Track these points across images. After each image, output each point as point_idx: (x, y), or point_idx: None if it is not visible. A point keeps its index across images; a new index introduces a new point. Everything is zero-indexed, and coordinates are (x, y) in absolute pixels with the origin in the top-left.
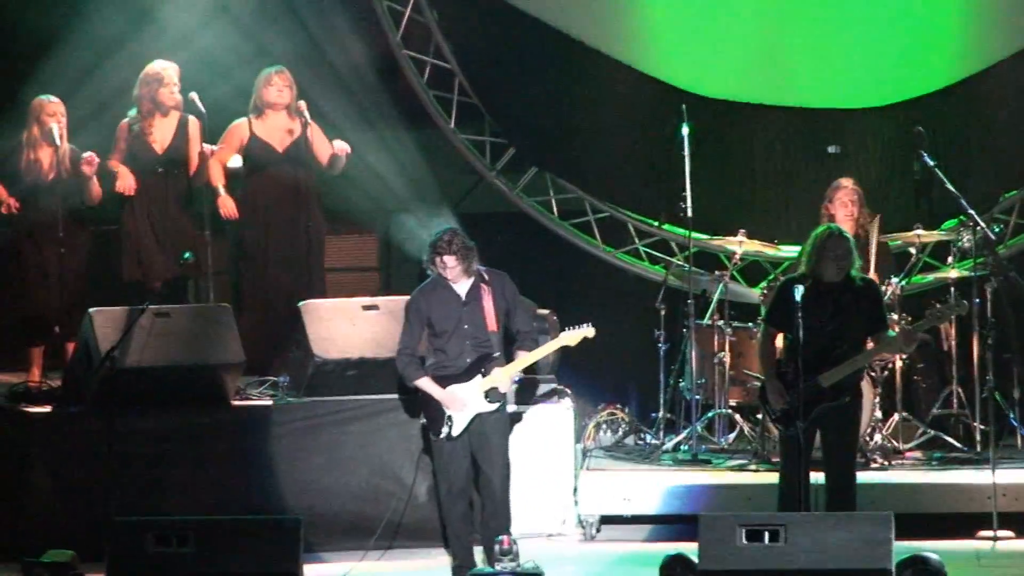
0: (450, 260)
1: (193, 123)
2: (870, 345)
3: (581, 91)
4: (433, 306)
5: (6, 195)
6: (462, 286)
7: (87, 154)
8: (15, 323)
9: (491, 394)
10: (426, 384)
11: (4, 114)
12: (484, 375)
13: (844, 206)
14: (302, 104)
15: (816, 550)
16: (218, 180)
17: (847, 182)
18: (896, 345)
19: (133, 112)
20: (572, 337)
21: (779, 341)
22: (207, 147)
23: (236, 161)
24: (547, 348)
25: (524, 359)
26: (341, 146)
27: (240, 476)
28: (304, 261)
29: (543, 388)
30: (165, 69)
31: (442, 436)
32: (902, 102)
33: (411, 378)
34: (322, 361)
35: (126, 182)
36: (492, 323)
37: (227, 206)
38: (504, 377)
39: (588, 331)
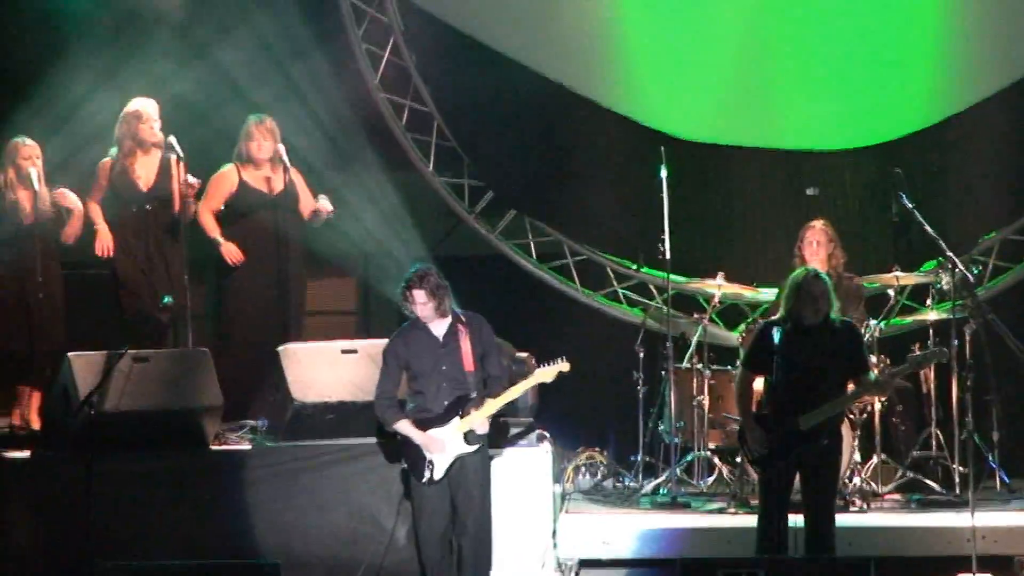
0: (419, 295)
1: (175, 163)
2: (850, 388)
3: (560, 134)
4: (411, 349)
5: None
6: (439, 327)
7: (59, 189)
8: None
9: (470, 436)
10: (405, 428)
11: None
12: (462, 417)
13: (810, 246)
14: (281, 148)
15: None
16: (213, 230)
17: (817, 223)
18: (875, 388)
19: (114, 151)
20: (547, 373)
21: (759, 383)
22: (192, 179)
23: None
24: (523, 385)
25: (501, 398)
26: (324, 204)
27: (219, 520)
28: (285, 305)
29: (522, 431)
30: (144, 106)
31: (424, 480)
32: (880, 144)
33: (390, 422)
34: (301, 405)
35: (104, 243)
36: (470, 364)
37: (231, 252)
38: (481, 418)
39: (563, 366)
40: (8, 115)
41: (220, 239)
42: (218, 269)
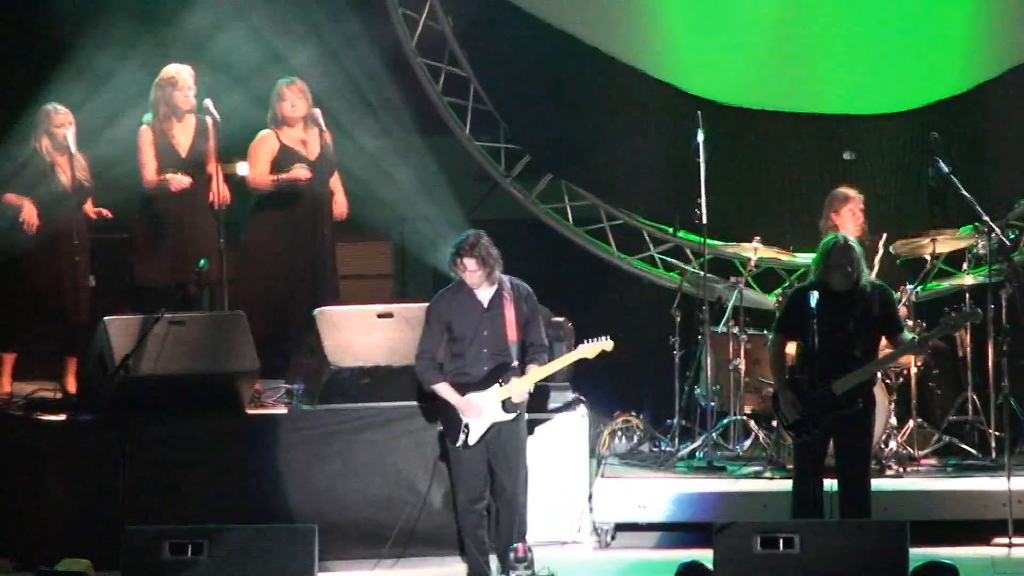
0: (470, 263)
1: (210, 126)
2: (883, 353)
3: (596, 98)
4: (454, 311)
5: (30, 214)
6: (484, 293)
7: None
8: (38, 333)
9: (507, 404)
10: (444, 390)
11: (20, 121)
12: (502, 385)
13: (854, 216)
14: (316, 111)
15: (831, 557)
16: (272, 179)
17: (852, 192)
18: (911, 349)
19: (149, 116)
20: (590, 350)
21: (792, 349)
22: (241, 167)
23: (244, 168)
24: (565, 360)
25: (542, 370)
26: (340, 208)
27: (254, 484)
28: (319, 268)
29: (558, 396)
30: (179, 72)
31: (458, 444)
32: (917, 108)
33: (429, 382)
34: (336, 369)
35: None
36: (512, 333)
37: (300, 174)
38: (521, 388)
39: (606, 344)
40: (46, 80)
41: (282, 175)
42: (249, 232)
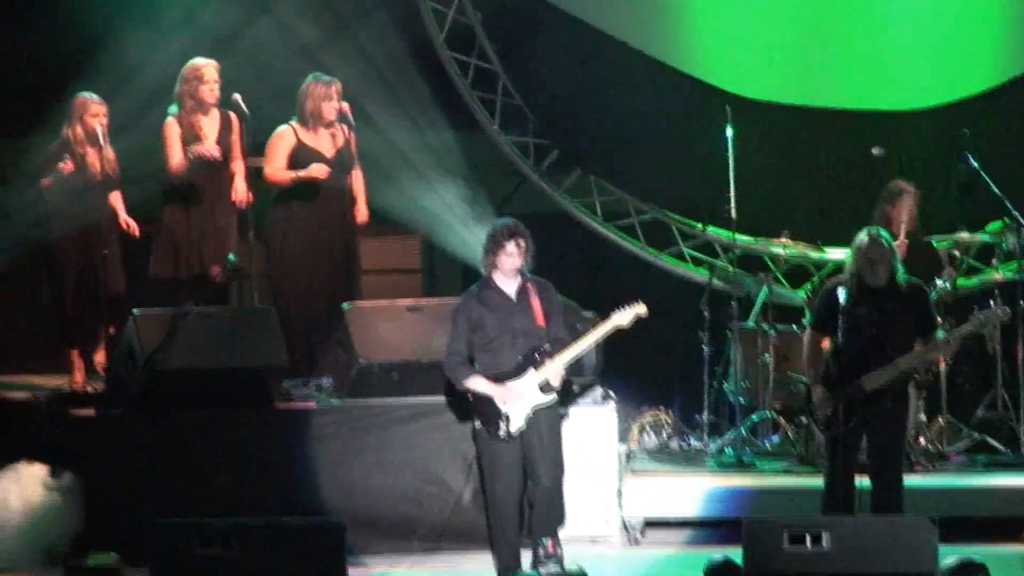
0: (516, 245)
1: (235, 120)
2: (915, 349)
3: (625, 93)
4: (486, 307)
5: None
6: (510, 286)
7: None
8: (56, 325)
9: (546, 386)
10: (478, 383)
11: (51, 112)
12: (536, 368)
13: (908, 210)
14: (345, 106)
15: (860, 553)
16: (288, 174)
17: (908, 186)
18: (942, 348)
19: (175, 108)
20: (623, 317)
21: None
22: (252, 160)
23: (261, 161)
24: (599, 332)
25: (576, 345)
26: (361, 214)
27: (284, 479)
28: (347, 263)
29: (587, 391)
30: (205, 66)
31: (501, 435)
32: (947, 104)
33: (461, 379)
34: (366, 363)
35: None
36: (541, 319)
37: (319, 170)
38: (556, 368)
39: (639, 308)
40: (77, 73)
41: (300, 172)
42: (272, 227)
